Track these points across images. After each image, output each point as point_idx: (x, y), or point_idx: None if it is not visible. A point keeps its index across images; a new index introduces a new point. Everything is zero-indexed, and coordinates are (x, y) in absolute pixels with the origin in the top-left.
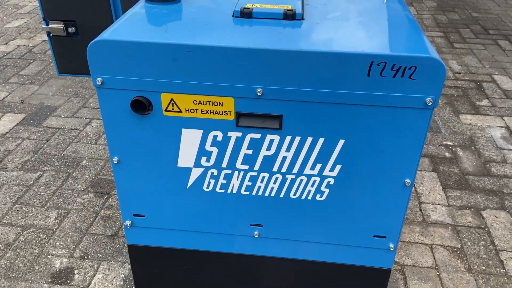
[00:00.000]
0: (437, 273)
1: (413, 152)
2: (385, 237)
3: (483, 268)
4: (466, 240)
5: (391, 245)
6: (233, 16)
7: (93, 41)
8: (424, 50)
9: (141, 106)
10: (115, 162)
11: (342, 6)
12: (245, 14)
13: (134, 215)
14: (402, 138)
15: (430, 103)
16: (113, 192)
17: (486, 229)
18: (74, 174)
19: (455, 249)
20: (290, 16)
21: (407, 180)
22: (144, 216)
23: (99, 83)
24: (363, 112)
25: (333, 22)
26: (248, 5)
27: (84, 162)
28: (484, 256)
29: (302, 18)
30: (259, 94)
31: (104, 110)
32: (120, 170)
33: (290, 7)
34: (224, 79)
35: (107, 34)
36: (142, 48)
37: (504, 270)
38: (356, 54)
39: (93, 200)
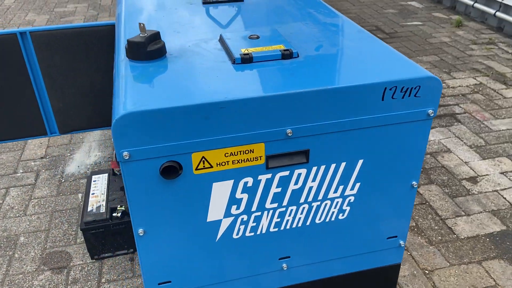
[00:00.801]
0: (408, 253)
1: (417, 157)
2: (396, 236)
3: (440, 238)
4: (417, 217)
5: (402, 242)
6: (234, 63)
7: (118, 116)
8: (422, 71)
9: (172, 171)
10: (140, 234)
11: (316, 36)
12: (246, 60)
13: (159, 283)
14: (409, 146)
15: (432, 114)
16: (71, 264)
17: (427, 203)
18: (16, 255)
19: (412, 227)
20: (287, 55)
21: (414, 183)
22: (170, 282)
23: (126, 158)
24: (378, 131)
25: (327, 57)
26: (244, 50)
27: (22, 239)
28: (436, 227)
29: (298, 56)
30: (289, 134)
31: (129, 183)
32: (145, 241)
33: (282, 47)
34: (255, 127)
35: (130, 106)
36: (172, 113)
37: (455, 235)
38: (373, 84)
39: (52, 279)
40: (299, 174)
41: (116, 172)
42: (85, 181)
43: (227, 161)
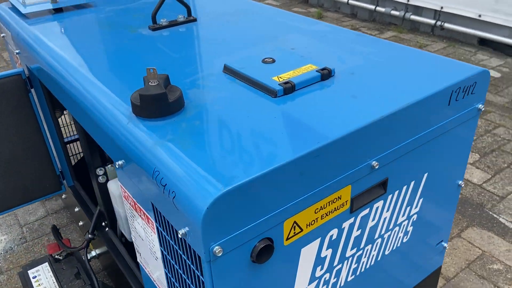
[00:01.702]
0: None
1: (465, 154)
2: (442, 240)
3: None
4: None
5: (445, 244)
6: (276, 96)
7: (211, 201)
8: (475, 67)
9: (268, 251)
10: None
11: (325, 49)
12: (289, 90)
13: None
14: (460, 146)
15: (482, 108)
16: None
17: None
18: None
19: None
20: (327, 75)
21: (460, 182)
22: None
23: (219, 254)
24: (441, 139)
25: (366, 71)
26: (276, 79)
27: None
28: None
29: (334, 74)
30: (375, 167)
31: (219, 284)
32: None
33: (313, 66)
34: (343, 169)
35: (220, 183)
36: (267, 178)
37: None
38: (443, 90)
39: None
40: (377, 208)
41: (57, 257)
42: (13, 281)
43: (316, 218)
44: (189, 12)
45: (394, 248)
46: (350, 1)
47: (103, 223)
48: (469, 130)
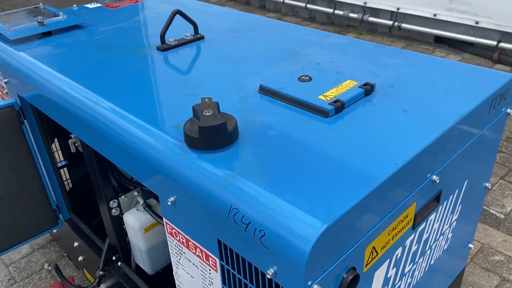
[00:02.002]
0: None
1: (493, 157)
2: (469, 242)
3: None
4: None
5: (471, 245)
6: (328, 116)
7: (314, 241)
8: (506, 74)
9: (356, 280)
10: None
11: (352, 62)
12: (339, 109)
13: None
14: (490, 149)
15: (510, 112)
16: None
17: None
18: None
19: None
20: (369, 91)
21: (487, 184)
22: None
23: None
24: (478, 145)
25: (405, 84)
26: (324, 98)
27: None
28: None
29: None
30: (436, 181)
31: None
32: None
33: (354, 82)
34: (412, 187)
35: (319, 220)
36: (360, 206)
37: None
38: (487, 99)
39: None
40: (431, 220)
41: None
42: None
43: (389, 240)
44: (196, 30)
45: (437, 256)
46: (308, 5)
47: (114, 257)
48: (498, 133)
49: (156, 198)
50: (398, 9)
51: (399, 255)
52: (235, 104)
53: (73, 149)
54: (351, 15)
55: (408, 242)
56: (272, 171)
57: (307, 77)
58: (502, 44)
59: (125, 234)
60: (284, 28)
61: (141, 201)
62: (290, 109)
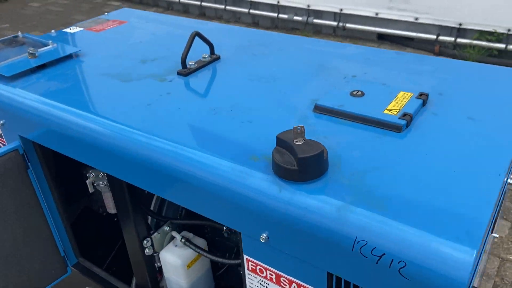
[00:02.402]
0: None
1: None
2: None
3: None
4: None
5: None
6: (400, 131)
7: (469, 270)
8: None
9: None
10: None
11: (394, 74)
12: (409, 122)
13: None
14: None
15: None
16: None
17: None
18: None
19: None
20: (425, 101)
21: None
22: None
23: None
24: None
25: (451, 91)
26: (390, 112)
27: None
28: None
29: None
30: None
31: None
32: None
33: (408, 94)
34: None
35: (466, 246)
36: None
37: None
38: None
39: None
40: None
41: None
42: None
43: None
44: (212, 50)
45: None
46: (251, 11)
47: None
48: None
49: (190, 230)
50: (341, 10)
51: None
52: (295, 125)
53: (91, 189)
54: (296, 18)
55: None
56: (383, 196)
57: (359, 92)
58: (441, 38)
59: (156, 272)
60: (294, 41)
61: (178, 237)
62: (355, 127)
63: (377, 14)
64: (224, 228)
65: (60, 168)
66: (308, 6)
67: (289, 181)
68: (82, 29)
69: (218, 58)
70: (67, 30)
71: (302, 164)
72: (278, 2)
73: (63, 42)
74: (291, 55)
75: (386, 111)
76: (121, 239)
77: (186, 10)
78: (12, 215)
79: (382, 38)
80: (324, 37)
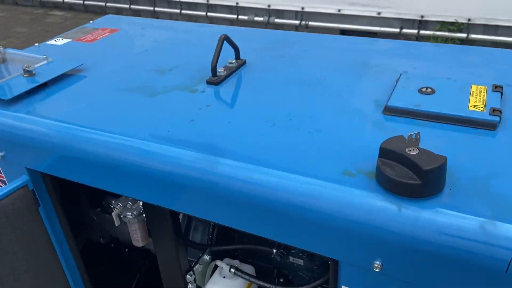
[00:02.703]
0: None
1: None
2: None
3: None
4: None
5: None
6: (495, 128)
7: None
8: None
9: None
10: None
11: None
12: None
13: None
14: None
15: None
16: None
17: None
18: None
19: None
20: (501, 93)
21: None
22: None
23: None
24: None
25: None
26: (476, 108)
27: None
28: None
29: None
30: None
31: None
32: None
33: (484, 87)
34: None
35: None
36: None
37: None
38: None
39: None
40: None
41: None
42: None
43: None
44: (238, 55)
45: None
46: (208, 14)
47: None
48: None
49: (230, 255)
50: (303, 8)
51: None
52: (377, 133)
53: (117, 222)
54: (256, 18)
55: None
56: None
57: (429, 89)
58: (404, 30)
59: None
60: (315, 39)
61: (226, 266)
62: (441, 128)
63: (339, 10)
64: (274, 251)
65: (70, 200)
66: (269, 6)
67: (408, 198)
68: (70, 40)
69: (244, 62)
70: (52, 42)
71: (427, 177)
72: (237, 3)
73: (54, 55)
74: (322, 55)
75: (471, 108)
76: (138, 273)
77: (137, 16)
78: (22, 263)
79: (345, 34)
80: None
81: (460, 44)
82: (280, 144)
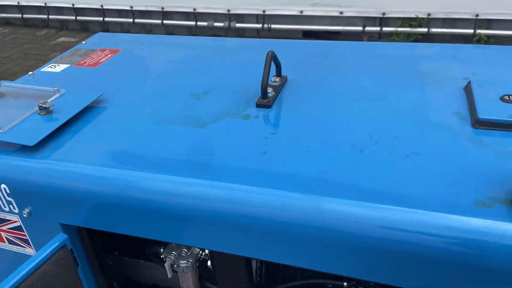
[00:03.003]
0: None
1: None
2: None
3: None
4: None
5: None
6: None
7: None
8: None
9: None
10: None
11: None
12: None
13: None
14: None
15: None
16: None
17: None
18: None
19: None
20: None
21: None
22: None
23: None
24: None
25: None
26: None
27: None
28: None
29: None
30: None
31: None
32: None
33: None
34: None
35: None
36: None
37: None
38: None
39: None
40: None
41: None
42: None
43: None
44: (279, 72)
45: None
46: (164, 21)
47: None
48: None
49: None
50: (264, 11)
51: None
52: (483, 151)
53: (170, 274)
54: (216, 24)
55: None
56: None
57: (507, 97)
58: (367, 28)
59: None
60: (348, 48)
61: None
62: None
63: (301, 12)
64: (345, 284)
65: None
66: (228, 10)
67: None
68: (69, 65)
69: (286, 79)
70: (47, 69)
71: None
72: (195, 9)
73: (60, 86)
74: (365, 65)
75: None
76: None
77: (84, 28)
78: None
79: (309, 35)
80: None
81: (421, 38)
82: (376, 174)
